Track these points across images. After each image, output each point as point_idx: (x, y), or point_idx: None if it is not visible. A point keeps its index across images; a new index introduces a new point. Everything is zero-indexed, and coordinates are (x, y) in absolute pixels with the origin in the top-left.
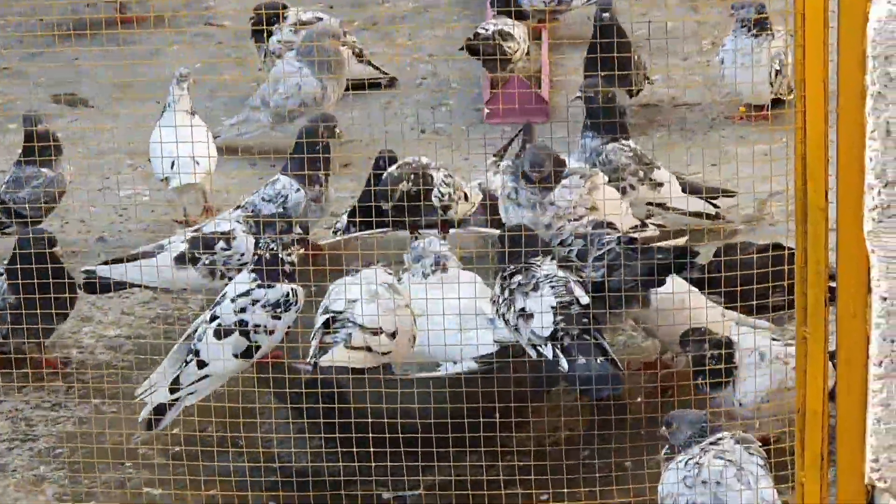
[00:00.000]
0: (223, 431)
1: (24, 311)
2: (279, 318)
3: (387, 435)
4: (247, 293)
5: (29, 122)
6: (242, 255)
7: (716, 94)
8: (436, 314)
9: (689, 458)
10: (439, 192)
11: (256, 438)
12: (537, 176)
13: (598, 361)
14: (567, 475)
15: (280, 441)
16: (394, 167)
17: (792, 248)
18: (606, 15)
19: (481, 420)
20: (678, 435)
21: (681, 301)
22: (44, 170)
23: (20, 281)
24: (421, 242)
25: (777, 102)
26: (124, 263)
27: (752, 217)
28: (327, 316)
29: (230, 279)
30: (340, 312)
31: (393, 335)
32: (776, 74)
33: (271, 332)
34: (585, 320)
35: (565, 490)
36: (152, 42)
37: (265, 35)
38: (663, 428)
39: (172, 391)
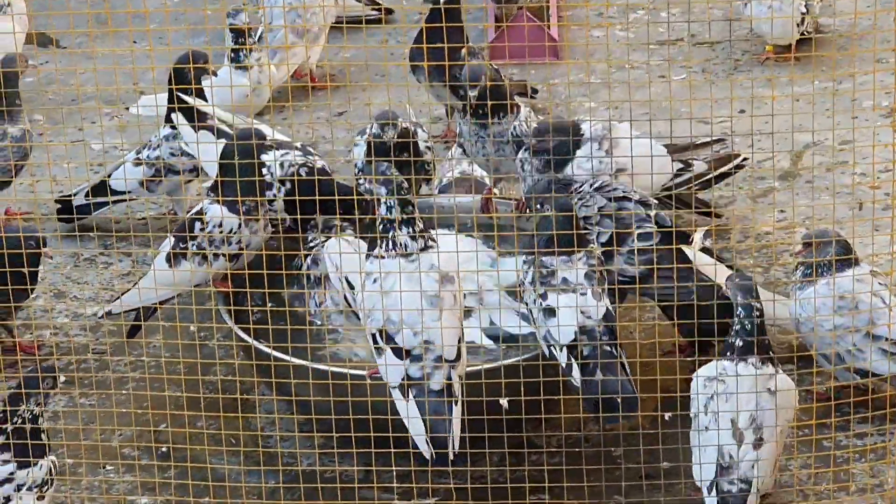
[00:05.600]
0: (216, 427)
1: None
2: (44, 498)
3: (396, 434)
4: (9, 479)
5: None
6: (220, 226)
7: (736, 32)
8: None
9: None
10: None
11: (255, 436)
12: (539, 147)
13: (618, 381)
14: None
15: (282, 439)
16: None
17: None
18: None
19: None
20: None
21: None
22: (7, 127)
23: None
24: None
25: (802, 42)
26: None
27: (788, 172)
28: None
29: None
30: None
31: None
32: (802, 16)
33: None
34: (607, 335)
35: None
36: None
37: None
38: (800, 247)
39: None
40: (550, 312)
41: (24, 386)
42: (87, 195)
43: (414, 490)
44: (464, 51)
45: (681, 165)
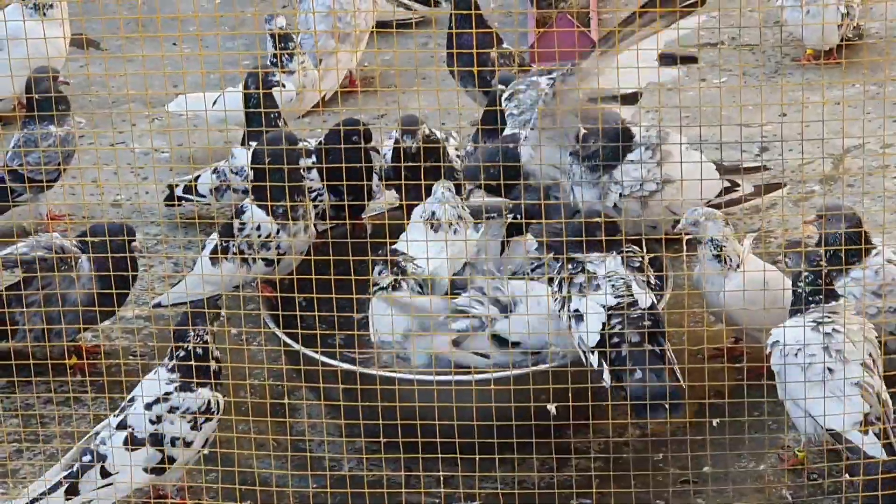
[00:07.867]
0: (259, 431)
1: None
2: (199, 430)
3: (438, 439)
4: (164, 398)
5: (41, 86)
6: (259, 228)
7: (776, 35)
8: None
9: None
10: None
11: (298, 439)
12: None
13: (657, 374)
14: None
15: (322, 442)
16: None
17: None
18: None
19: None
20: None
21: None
22: (52, 128)
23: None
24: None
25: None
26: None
27: (827, 176)
28: None
29: (268, 262)
30: None
31: None
32: (843, 17)
33: (189, 444)
34: (649, 323)
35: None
36: None
37: None
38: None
39: (68, 498)
40: (578, 316)
41: (191, 316)
42: (184, 189)
43: (461, 494)
44: (493, 53)
45: (728, 185)
